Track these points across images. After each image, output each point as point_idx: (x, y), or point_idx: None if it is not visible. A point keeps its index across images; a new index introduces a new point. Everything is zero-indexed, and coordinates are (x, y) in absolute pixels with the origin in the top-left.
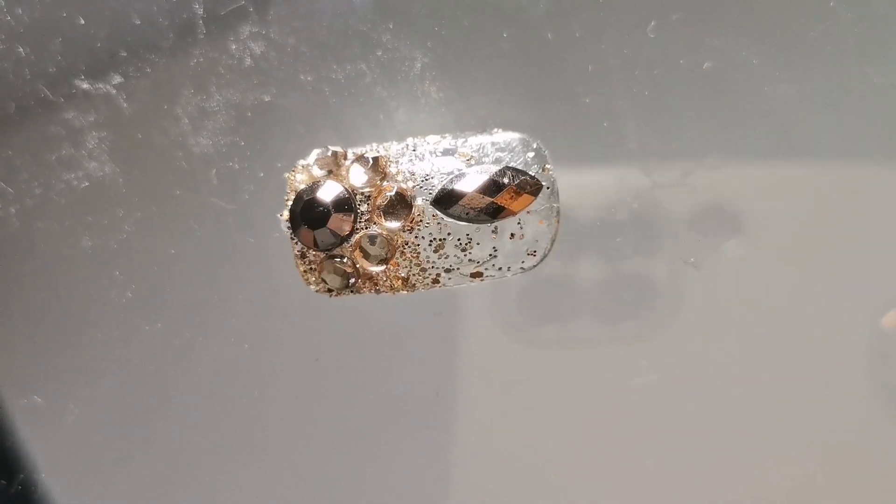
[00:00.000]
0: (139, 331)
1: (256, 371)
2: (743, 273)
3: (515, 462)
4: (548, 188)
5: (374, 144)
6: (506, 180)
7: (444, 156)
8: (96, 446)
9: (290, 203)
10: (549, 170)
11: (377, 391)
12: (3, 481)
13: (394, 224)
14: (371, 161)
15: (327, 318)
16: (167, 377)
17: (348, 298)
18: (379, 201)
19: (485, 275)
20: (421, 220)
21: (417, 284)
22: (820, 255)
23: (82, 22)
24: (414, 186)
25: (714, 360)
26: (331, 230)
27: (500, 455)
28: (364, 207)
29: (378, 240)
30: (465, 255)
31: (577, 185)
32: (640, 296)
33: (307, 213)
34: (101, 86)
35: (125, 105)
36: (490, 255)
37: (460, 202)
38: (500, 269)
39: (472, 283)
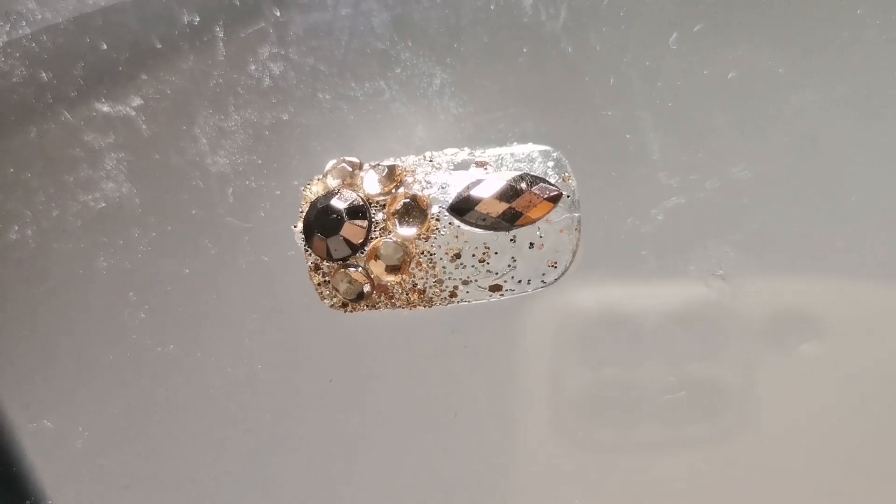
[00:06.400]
0: (151, 352)
1: (270, 392)
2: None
3: None
4: (568, 197)
5: (392, 158)
6: (523, 185)
7: (462, 167)
8: (104, 471)
9: (304, 214)
10: (569, 179)
11: (393, 411)
12: None
13: (409, 231)
14: (386, 169)
15: (342, 338)
16: (178, 399)
17: (363, 316)
18: (394, 208)
19: (504, 288)
20: (437, 229)
21: (434, 298)
22: None
23: (105, 47)
24: (430, 195)
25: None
26: (344, 238)
27: None
28: (379, 217)
29: (392, 246)
30: (483, 266)
31: (599, 197)
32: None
33: (321, 221)
34: (121, 108)
35: (144, 126)
36: (509, 265)
37: (476, 208)
38: (519, 281)
39: (492, 298)
